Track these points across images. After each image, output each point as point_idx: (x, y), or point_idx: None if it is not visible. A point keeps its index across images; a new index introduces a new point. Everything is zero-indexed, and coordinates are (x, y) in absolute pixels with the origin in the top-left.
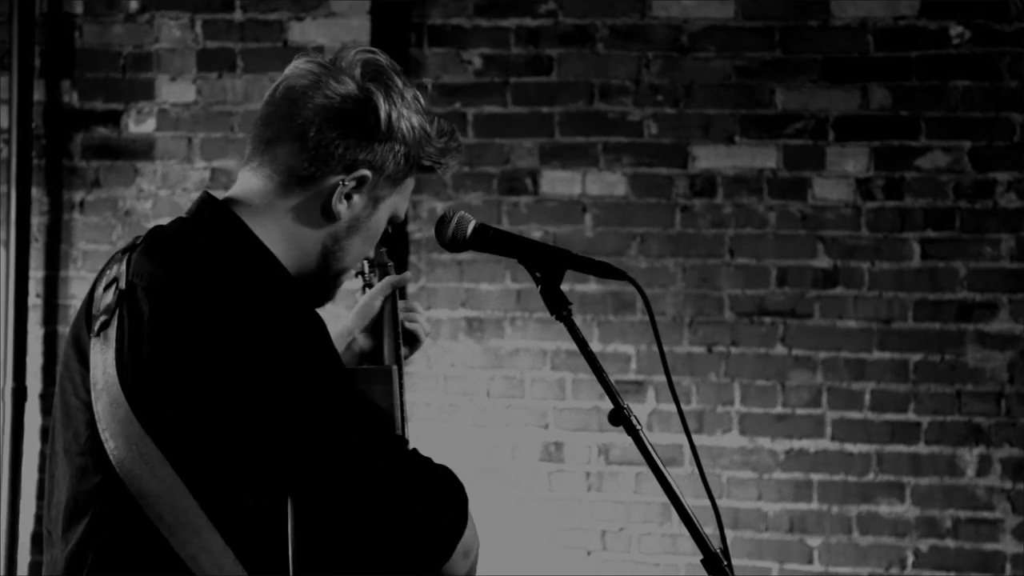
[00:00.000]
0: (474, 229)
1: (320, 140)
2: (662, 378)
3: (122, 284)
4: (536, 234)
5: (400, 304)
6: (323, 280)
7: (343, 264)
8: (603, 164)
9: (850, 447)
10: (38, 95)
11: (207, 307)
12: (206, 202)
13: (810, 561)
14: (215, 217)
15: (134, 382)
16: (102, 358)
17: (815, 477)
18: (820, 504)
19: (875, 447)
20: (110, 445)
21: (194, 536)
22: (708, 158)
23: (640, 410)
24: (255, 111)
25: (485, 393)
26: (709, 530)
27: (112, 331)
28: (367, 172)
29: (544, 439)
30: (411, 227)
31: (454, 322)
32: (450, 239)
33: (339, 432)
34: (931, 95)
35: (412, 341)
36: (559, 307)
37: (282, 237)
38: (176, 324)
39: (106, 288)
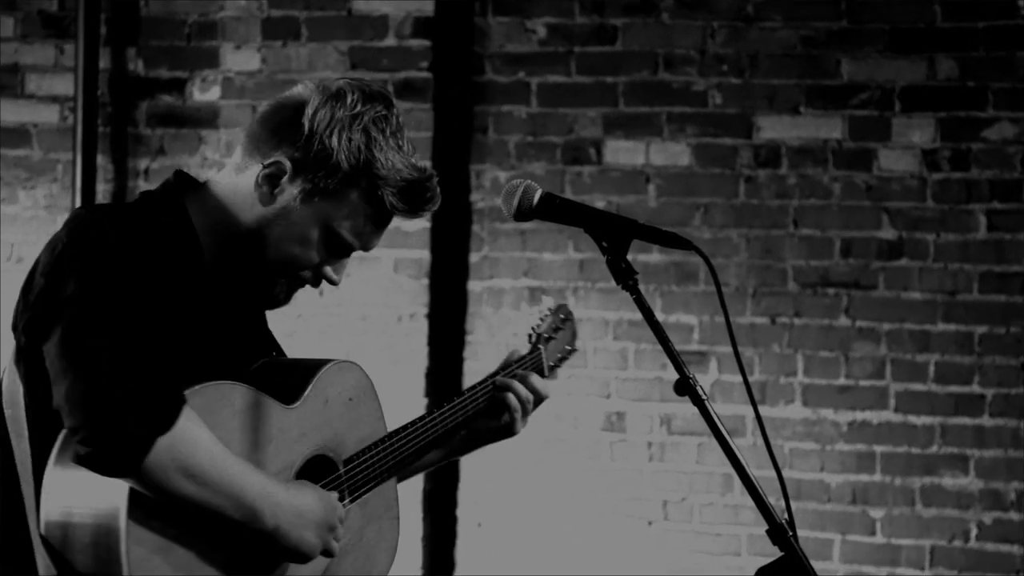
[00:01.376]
0: (541, 198)
1: (254, 132)
2: (724, 349)
3: None
4: (599, 204)
5: (519, 370)
6: (258, 271)
7: (272, 255)
8: (667, 134)
9: (914, 419)
10: (104, 63)
11: (63, 240)
12: (169, 181)
13: (872, 533)
14: (157, 195)
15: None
16: None
17: (878, 449)
18: (883, 476)
19: (939, 419)
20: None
21: (19, 441)
22: (773, 128)
23: (702, 381)
24: (319, 79)
25: None
26: (772, 501)
27: None
28: (283, 161)
29: (606, 409)
30: (474, 196)
31: (516, 291)
32: (516, 208)
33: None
34: (998, 66)
35: (505, 427)
36: (625, 277)
37: (218, 216)
38: (45, 252)
39: None
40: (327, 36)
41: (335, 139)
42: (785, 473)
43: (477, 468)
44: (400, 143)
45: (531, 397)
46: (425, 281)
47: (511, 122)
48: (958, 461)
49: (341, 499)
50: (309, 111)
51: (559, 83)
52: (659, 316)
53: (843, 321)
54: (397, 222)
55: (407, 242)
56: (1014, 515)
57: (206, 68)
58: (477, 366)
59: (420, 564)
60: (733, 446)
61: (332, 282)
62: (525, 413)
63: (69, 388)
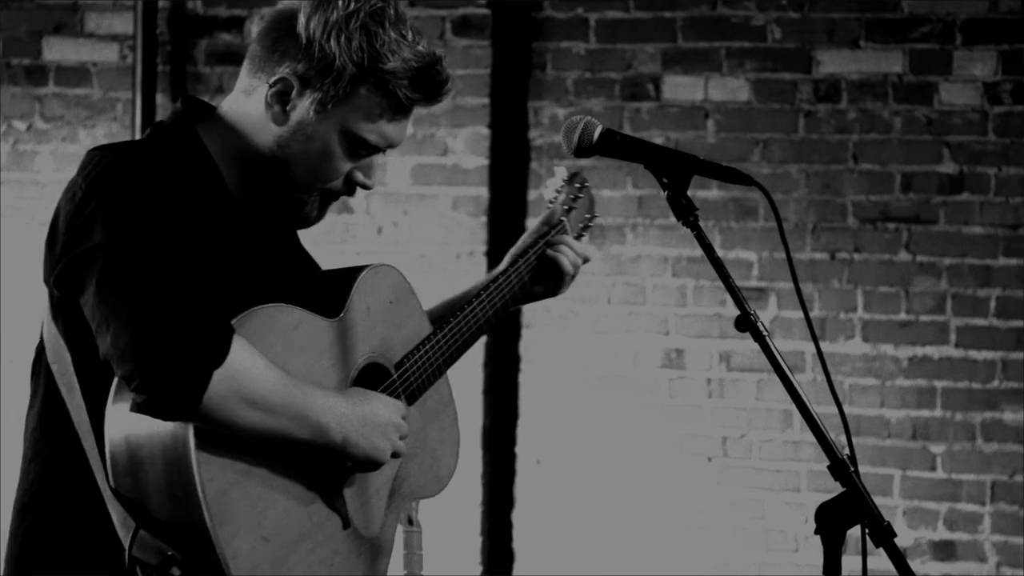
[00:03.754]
0: (601, 134)
1: (254, 52)
2: (784, 285)
3: None
4: (658, 140)
5: (553, 236)
6: (286, 192)
7: (297, 174)
8: (726, 69)
9: (975, 354)
10: (162, 1)
11: (85, 183)
12: (175, 112)
13: (933, 468)
14: (169, 127)
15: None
16: None
17: (939, 384)
18: (943, 411)
19: (1000, 354)
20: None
21: (72, 395)
22: (832, 63)
23: (762, 317)
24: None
25: (606, 300)
26: (833, 437)
27: None
28: (287, 76)
29: (665, 346)
30: (532, 134)
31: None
32: (576, 145)
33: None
34: None
35: (554, 274)
36: (686, 213)
37: (235, 143)
38: (66, 195)
39: None
40: None
41: (334, 43)
42: (846, 409)
43: (536, 405)
44: (402, 32)
45: (579, 260)
46: (484, 219)
47: (569, 58)
48: (1019, 396)
49: (404, 399)
50: (302, 20)
51: (617, 18)
52: (718, 252)
53: (903, 256)
54: (455, 158)
55: (466, 179)
56: None
57: (264, 5)
58: (532, 305)
59: (480, 500)
60: (795, 382)
61: (365, 186)
62: (574, 276)
63: (115, 337)
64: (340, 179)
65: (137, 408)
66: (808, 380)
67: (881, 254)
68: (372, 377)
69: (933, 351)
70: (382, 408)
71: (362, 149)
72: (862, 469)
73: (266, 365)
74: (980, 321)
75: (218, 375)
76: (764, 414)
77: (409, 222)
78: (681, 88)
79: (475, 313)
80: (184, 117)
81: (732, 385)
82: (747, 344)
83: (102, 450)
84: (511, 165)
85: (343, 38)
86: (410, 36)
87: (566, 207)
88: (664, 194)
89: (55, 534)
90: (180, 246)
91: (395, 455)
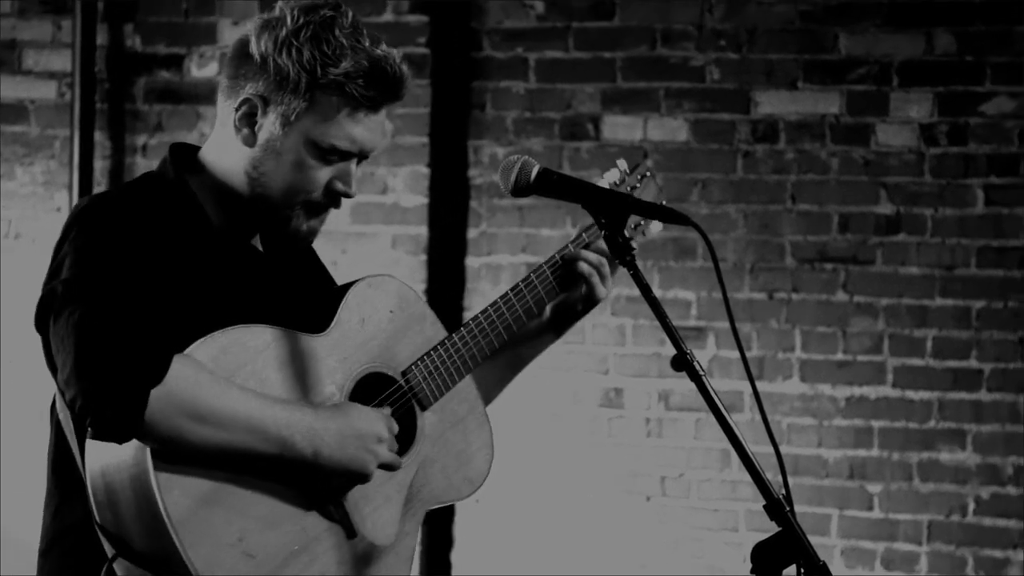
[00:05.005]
0: (538, 174)
1: (222, 84)
2: (722, 324)
3: None
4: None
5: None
6: (269, 213)
7: (274, 192)
8: (665, 109)
9: (911, 394)
10: (101, 39)
11: (66, 228)
12: (163, 160)
13: (870, 508)
14: (157, 175)
15: None
16: None
17: (876, 424)
18: (881, 451)
19: (936, 394)
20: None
21: (72, 437)
22: (771, 103)
23: (700, 356)
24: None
25: None
26: (770, 476)
27: None
28: (249, 98)
29: (604, 385)
30: (472, 172)
31: (514, 267)
32: (514, 184)
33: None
34: (996, 40)
35: (588, 296)
36: (622, 252)
37: (217, 180)
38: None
39: None
40: None
41: (285, 57)
42: (783, 449)
43: None
44: (356, 38)
45: (602, 259)
46: (423, 257)
47: (509, 98)
48: (955, 436)
49: (410, 410)
50: (253, 41)
51: (556, 58)
52: (657, 292)
53: (841, 296)
54: (395, 196)
55: (405, 218)
56: (1011, 489)
57: (204, 44)
58: None
59: (418, 540)
60: (730, 421)
61: (347, 195)
62: (603, 277)
63: (62, 365)
64: (319, 190)
65: (89, 434)
66: (746, 420)
67: (819, 294)
68: (374, 387)
69: (870, 391)
70: (358, 419)
71: (333, 155)
72: (800, 509)
73: (214, 380)
74: (917, 361)
75: (157, 392)
76: (703, 453)
77: (348, 261)
78: (620, 128)
79: (500, 314)
80: (170, 164)
81: (671, 424)
82: (686, 384)
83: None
84: (451, 204)
85: (294, 50)
86: (366, 42)
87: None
88: (602, 234)
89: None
90: (137, 281)
91: (383, 466)
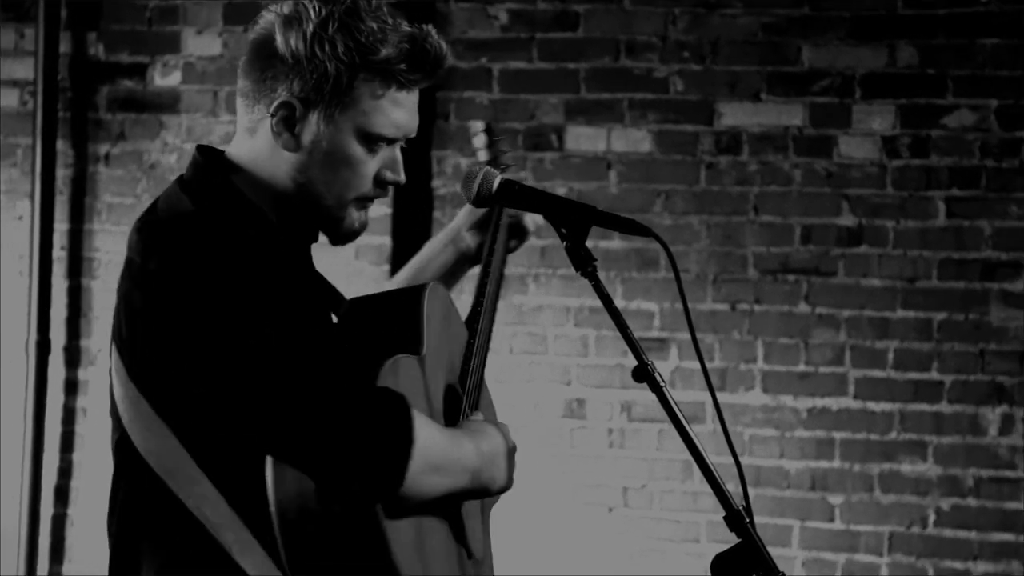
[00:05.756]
0: (500, 184)
1: (245, 89)
2: (685, 335)
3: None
4: (560, 190)
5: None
6: (321, 215)
7: (325, 193)
8: (628, 121)
9: (873, 406)
10: (64, 47)
11: (171, 263)
12: (197, 160)
13: (831, 519)
14: (206, 175)
15: (120, 344)
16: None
17: (837, 435)
18: (842, 462)
19: (898, 406)
20: (119, 405)
21: (195, 486)
22: (734, 115)
23: (663, 367)
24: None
25: (508, 349)
26: (731, 487)
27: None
28: (287, 100)
29: (567, 396)
30: (435, 183)
31: (476, 278)
32: (476, 194)
33: (267, 368)
34: (958, 53)
35: (520, 234)
36: (584, 263)
37: (261, 185)
38: (148, 284)
39: None
40: None
41: (320, 52)
42: (745, 460)
43: None
44: (381, 18)
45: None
46: (386, 267)
47: (473, 108)
48: (916, 447)
49: (472, 412)
50: (279, 40)
51: (520, 69)
52: (620, 303)
53: (803, 308)
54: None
55: (368, 228)
56: (972, 501)
57: (167, 53)
58: None
59: None
60: (690, 432)
61: (396, 183)
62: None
63: (305, 445)
64: (370, 183)
65: (337, 498)
66: (709, 431)
67: (781, 305)
68: (451, 399)
69: (832, 402)
70: (498, 437)
71: (380, 144)
72: (762, 520)
73: (440, 429)
74: (878, 373)
75: (413, 452)
76: (665, 464)
77: None
78: (584, 139)
79: (489, 299)
80: (213, 170)
81: (633, 435)
82: (648, 394)
83: (259, 533)
84: (414, 214)
85: (326, 44)
86: (389, 20)
87: (502, 166)
88: (563, 244)
89: None
90: (298, 323)
91: None
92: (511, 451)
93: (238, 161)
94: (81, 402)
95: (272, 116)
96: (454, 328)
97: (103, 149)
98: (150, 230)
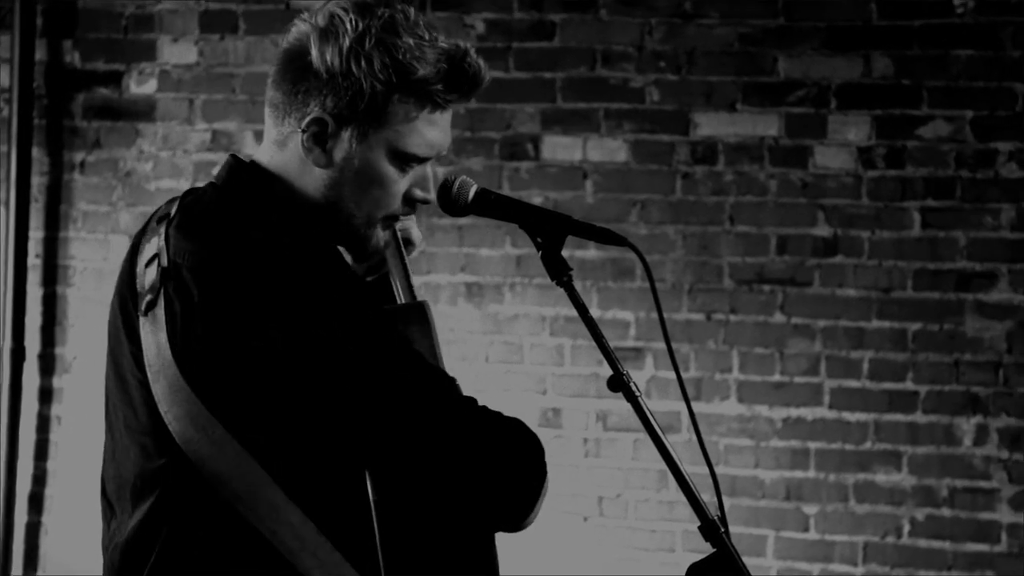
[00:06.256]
0: (476, 194)
1: (275, 100)
2: (661, 345)
3: (164, 261)
4: (537, 200)
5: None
6: (350, 232)
7: (356, 210)
8: (604, 130)
9: (848, 416)
10: (39, 55)
11: (255, 284)
12: (235, 168)
13: (806, 529)
14: (248, 185)
15: (192, 365)
16: (154, 339)
17: (812, 445)
18: (817, 472)
19: (873, 416)
20: (174, 427)
21: (272, 511)
22: (710, 125)
23: (639, 377)
24: (257, 73)
25: (484, 358)
26: (706, 497)
27: (160, 311)
28: (320, 116)
29: (542, 405)
30: None
31: (453, 287)
32: (451, 203)
33: (402, 394)
34: (933, 64)
35: (408, 245)
36: (560, 273)
37: (294, 199)
38: (227, 304)
39: (147, 264)
40: (265, 29)
41: (356, 68)
42: (720, 469)
43: None
44: (419, 34)
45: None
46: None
47: None
48: (891, 457)
49: None
50: (315, 54)
51: (497, 78)
52: (595, 312)
53: (778, 318)
54: None
55: None
56: (946, 511)
57: (143, 61)
58: None
59: None
60: (665, 442)
61: (426, 201)
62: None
63: (484, 487)
64: (400, 202)
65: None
66: (684, 440)
67: (756, 315)
68: None
69: (807, 412)
70: None
71: (412, 163)
72: (736, 530)
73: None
74: (853, 383)
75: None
76: (640, 474)
77: None
78: (560, 148)
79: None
80: (257, 185)
81: (608, 444)
82: (623, 404)
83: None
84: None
85: (363, 61)
86: (427, 35)
87: None
88: (539, 254)
89: None
90: (402, 344)
91: None
92: None
93: (273, 173)
94: (56, 410)
95: (304, 132)
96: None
97: (79, 157)
98: (224, 258)
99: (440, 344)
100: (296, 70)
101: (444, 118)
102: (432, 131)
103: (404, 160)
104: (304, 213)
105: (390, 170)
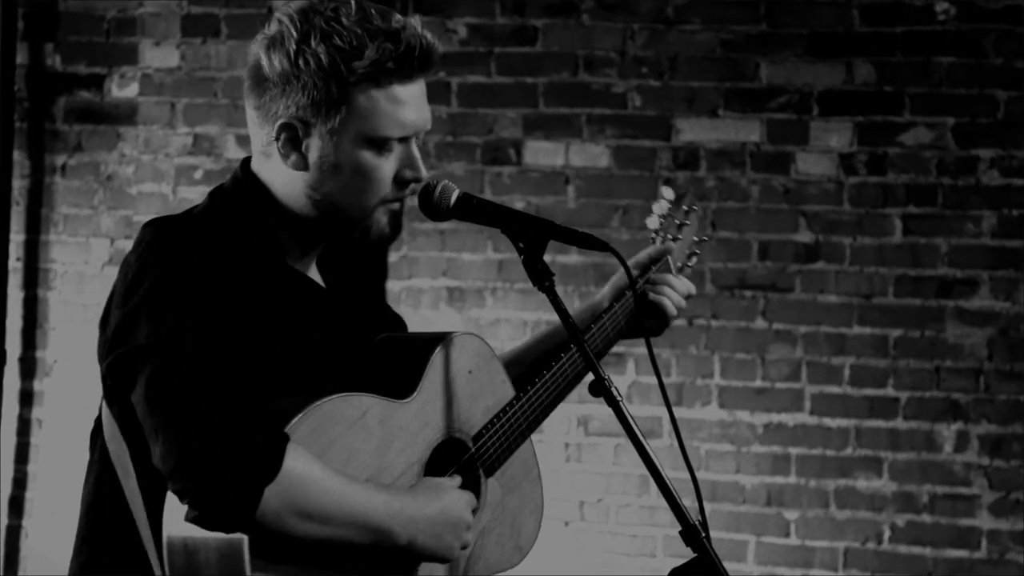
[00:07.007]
0: (458, 198)
1: (250, 114)
2: (642, 350)
3: None
4: (519, 204)
5: (654, 274)
6: (349, 226)
7: (346, 205)
8: (587, 135)
9: (829, 421)
10: (21, 58)
11: (130, 275)
12: (236, 176)
13: (787, 534)
14: (232, 194)
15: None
16: None
17: (793, 451)
18: (798, 478)
19: (853, 422)
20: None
21: (127, 479)
22: (692, 131)
23: (620, 382)
24: (238, 77)
25: None
26: (688, 502)
27: None
28: (286, 122)
29: None
30: None
31: (435, 291)
32: (433, 208)
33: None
34: (915, 71)
35: (659, 315)
36: (542, 278)
37: (283, 207)
38: (116, 288)
39: None
40: (247, 34)
41: (304, 68)
42: (701, 475)
43: None
44: (368, 20)
45: (682, 301)
46: None
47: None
48: (872, 463)
49: (476, 478)
50: (265, 63)
51: (479, 83)
52: None
53: (760, 323)
54: None
55: None
56: (926, 517)
57: (125, 64)
58: None
59: None
60: (647, 447)
61: (417, 180)
62: (678, 314)
63: (165, 451)
64: (389, 186)
65: (191, 520)
66: (665, 445)
67: (738, 321)
68: (448, 453)
69: (788, 418)
70: (452, 505)
71: (390, 145)
72: (717, 535)
73: (323, 474)
74: (834, 389)
75: (271, 490)
76: (621, 479)
77: None
78: (542, 153)
79: (563, 370)
80: (244, 185)
81: (590, 449)
82: (605, 409)
83: (158, 541)
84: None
85: (311, 58)
86: (378, 20)
87: (671, 237)
88: (521, 259)
89: None
90: (228, 342)
91: (463, 548)
92: (458, 523)
93: (266, 183)
94: (36, 413)
95: (276, 140)
96: (483, 384)
97: (60, 160)
98: (145, 229)
99: (466, 378)
100: (257, 83)
101: (411, 95)
102: (399, 109)
103: (379, 145)
104: (295, 218)
105: (368, 157)
